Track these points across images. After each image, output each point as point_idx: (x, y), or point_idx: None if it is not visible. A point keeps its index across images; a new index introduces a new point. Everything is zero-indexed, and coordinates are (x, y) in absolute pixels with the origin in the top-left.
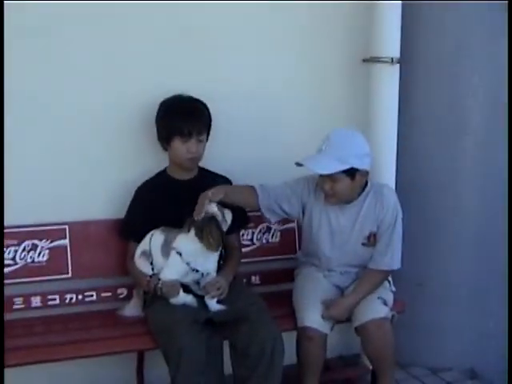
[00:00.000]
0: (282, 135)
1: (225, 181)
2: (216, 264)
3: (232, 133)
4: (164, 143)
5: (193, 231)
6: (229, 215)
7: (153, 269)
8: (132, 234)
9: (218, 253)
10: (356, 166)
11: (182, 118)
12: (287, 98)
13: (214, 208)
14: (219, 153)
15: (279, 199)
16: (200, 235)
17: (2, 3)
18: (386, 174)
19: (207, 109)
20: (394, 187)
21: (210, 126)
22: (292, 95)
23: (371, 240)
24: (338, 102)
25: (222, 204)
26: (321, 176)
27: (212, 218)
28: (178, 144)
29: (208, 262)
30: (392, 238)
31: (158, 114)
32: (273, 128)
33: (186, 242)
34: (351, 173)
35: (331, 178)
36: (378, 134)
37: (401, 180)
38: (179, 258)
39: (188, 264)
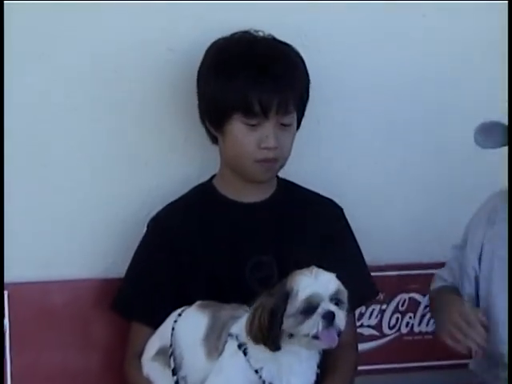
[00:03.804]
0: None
1: (329, 208)
2: (313, 379)
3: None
4: (213, 128)
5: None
6: (341, 317)
7: (177, 383)
8: (139, 308)
9: (318, 357)
10: None
11: (252, 77)
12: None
13: (306, 285)
14: (316, 151)
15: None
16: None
17: (2, 3)
18: None
19: (303, 61)
20: None
21: (306, 97)
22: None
23: None
24: None
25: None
26: None
27: (281, 295)
28: (239, 129)
29: (295, 373)
30: None
31: (201, 69)
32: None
33: None
34: None
35: None
36: None
37: None
38: (243, 359)
39: (258, 372)
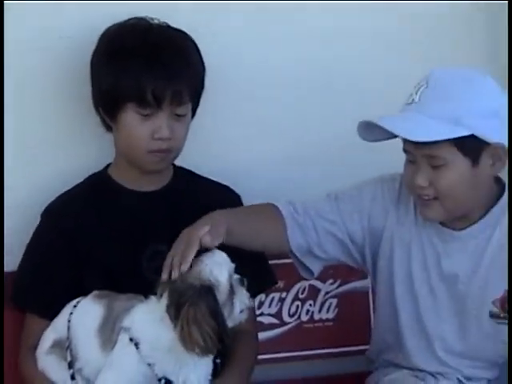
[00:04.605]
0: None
1: (226, 195)
2: (208, 373)
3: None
4: (107, 117)
5: (164, 303)
6: (243, 296)
7: (73, 376)
8: (33, 300)
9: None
10: (481, 132)
11: (145, 66)
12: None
13: (218, 270)
14: (214, 140)
15: (326, 229)
16: (175, 318)
17: (2, 3)
18: None
19: (198, 50)
20: None
21: (201, 87)
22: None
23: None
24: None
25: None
26: (410, 161)
27: (206, 291)
28: (132, 119)
29: (190, 369)
30: None
31: (94, 57)
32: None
33: (150, 321)
34: (473, 149)
35: (432, 158)
36: None
37: None
38: (134, 352)
39: (151, 367)
